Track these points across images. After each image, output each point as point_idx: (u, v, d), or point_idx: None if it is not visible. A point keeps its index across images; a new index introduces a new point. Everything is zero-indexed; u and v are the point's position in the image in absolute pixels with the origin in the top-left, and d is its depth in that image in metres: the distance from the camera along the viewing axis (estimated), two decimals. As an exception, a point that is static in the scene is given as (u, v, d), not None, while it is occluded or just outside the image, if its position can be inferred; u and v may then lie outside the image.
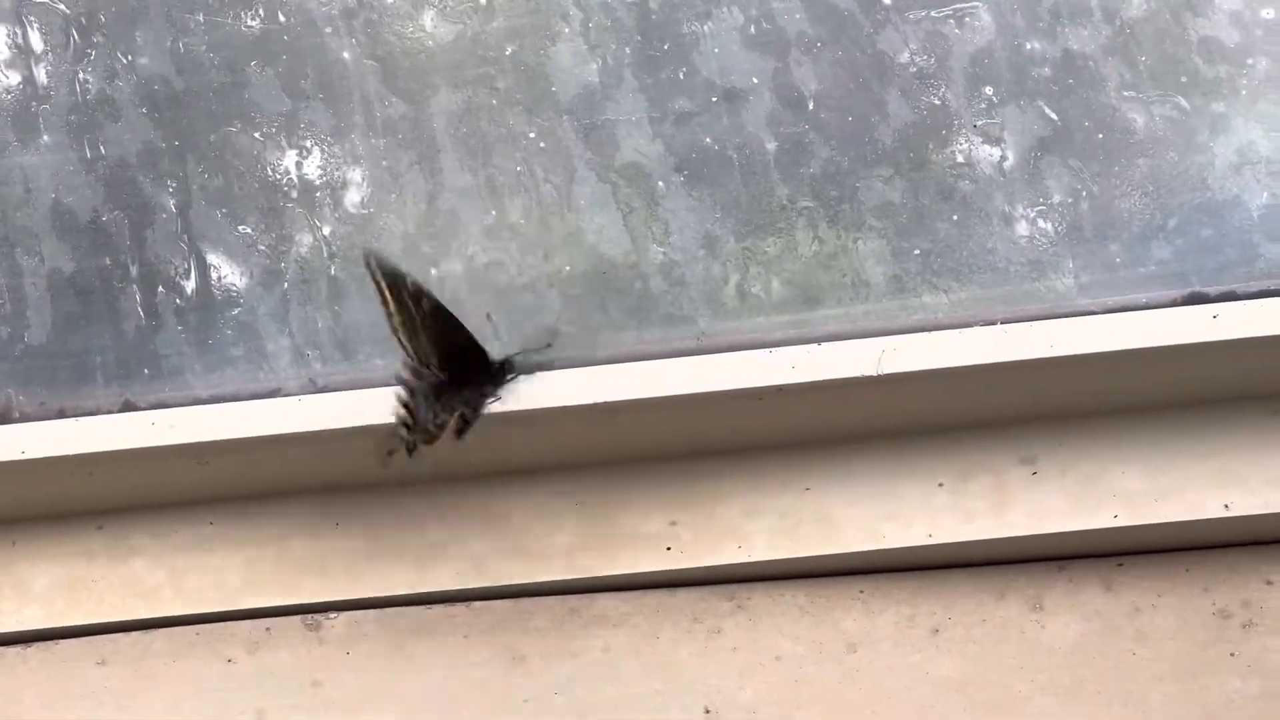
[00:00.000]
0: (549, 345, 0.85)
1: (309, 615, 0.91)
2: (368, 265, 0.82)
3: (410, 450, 0.84)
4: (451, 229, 0.91)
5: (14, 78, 0.94)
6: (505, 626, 0.90)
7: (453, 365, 0.83)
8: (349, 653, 0.90)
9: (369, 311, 0.91)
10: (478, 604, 0.90)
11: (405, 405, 0.83)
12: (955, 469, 0.89)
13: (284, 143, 0.92)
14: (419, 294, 0.81)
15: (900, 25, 0.90)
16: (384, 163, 0.91)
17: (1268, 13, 0.89)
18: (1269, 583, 0.87)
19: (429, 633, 0.90)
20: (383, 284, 0.82)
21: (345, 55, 0.91)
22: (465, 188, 0.91)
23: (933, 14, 0.90)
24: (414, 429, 0.83)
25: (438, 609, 0.90)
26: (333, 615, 0.91)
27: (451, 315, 0.82)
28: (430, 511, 0.91)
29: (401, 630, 0.90)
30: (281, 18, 0.92)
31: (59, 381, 0.92)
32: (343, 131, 0.92)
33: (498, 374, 0.83)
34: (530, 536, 0.91)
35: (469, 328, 0.83)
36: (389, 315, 0.82)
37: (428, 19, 0.91)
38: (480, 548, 0.91)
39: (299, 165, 0.92)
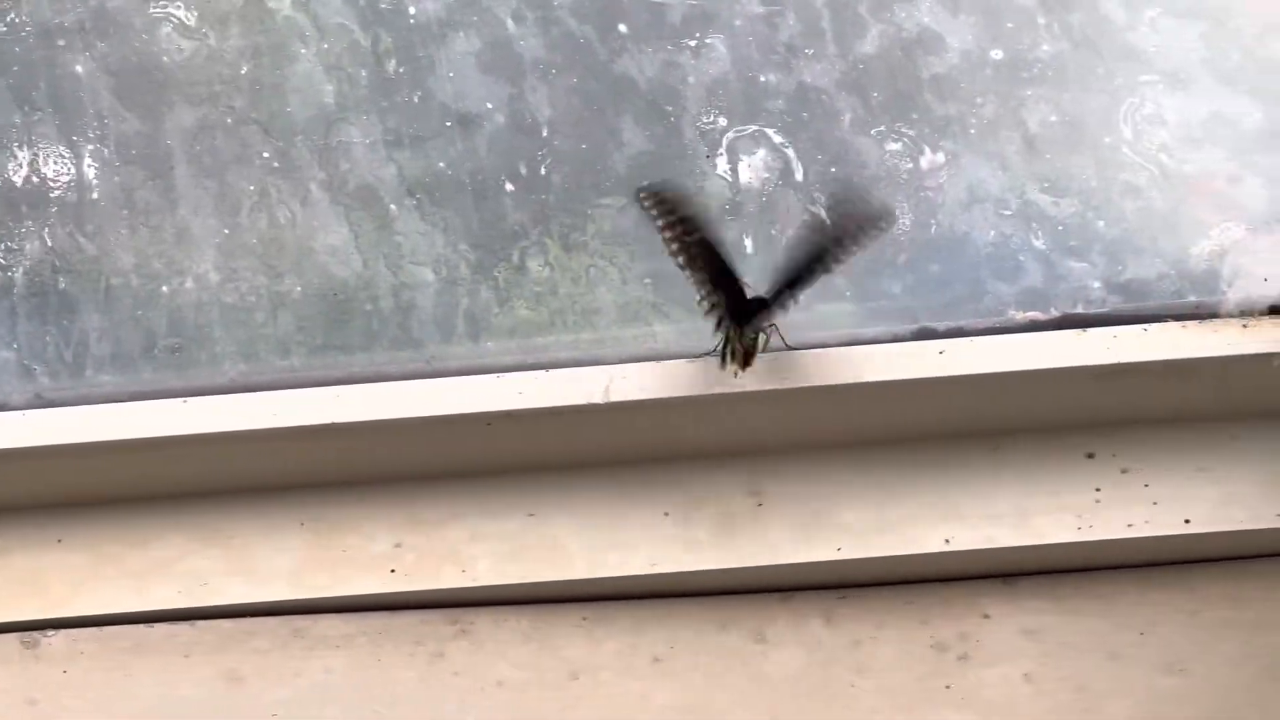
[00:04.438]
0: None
1: (27, 633, 0.90)
2: (640, 202, 0.85)
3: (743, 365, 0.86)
4: (184, 246, 0.90)
5: None
6: (227, 646, 0.89)
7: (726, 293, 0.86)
8: (66, 671, 0.89)
9: (98, 327, 0.90)
10: (201, 623, 0.90)
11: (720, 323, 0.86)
12: (682, 499, 0.89)
13: (15, 154, 0.91)
14: (691, 226, 0.85)
15: (636, 55, 0.90)
16: (116, 178, 0.90)
17: (996, 53, 0.89)
18: (986, 616, 0.88)
19: (149, 652, 0.89)
20: (659, 221, 0.85)
21: (79, 68, 0.91)
22: (198, 205, 0.90)
23: (669, 44, 0.90)
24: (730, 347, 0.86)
25: (160, 628, 0.90)
26: (51, 633, 0.90)
27: (715, 248, 0.86)
28: (155, 528, 0.91)
29: (122, 649, 0.89)
30: (13, 26, 0.91)
31: None
32: (76, 145, 0.91)
33: (761, 308, 0.86)
34: (255, 555, 0.90)
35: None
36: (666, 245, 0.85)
37: (164, 34, 0.91)
38: (204, 566, 0.90)
39: (29, 178, 0.91)
